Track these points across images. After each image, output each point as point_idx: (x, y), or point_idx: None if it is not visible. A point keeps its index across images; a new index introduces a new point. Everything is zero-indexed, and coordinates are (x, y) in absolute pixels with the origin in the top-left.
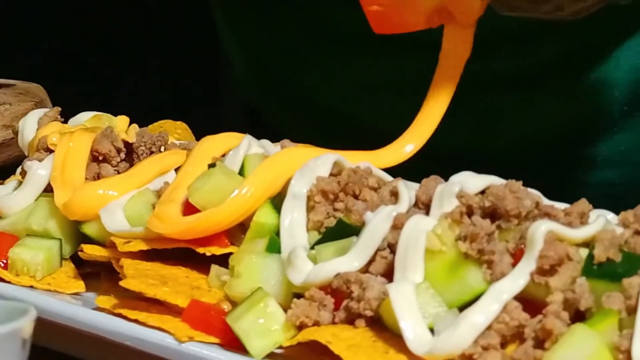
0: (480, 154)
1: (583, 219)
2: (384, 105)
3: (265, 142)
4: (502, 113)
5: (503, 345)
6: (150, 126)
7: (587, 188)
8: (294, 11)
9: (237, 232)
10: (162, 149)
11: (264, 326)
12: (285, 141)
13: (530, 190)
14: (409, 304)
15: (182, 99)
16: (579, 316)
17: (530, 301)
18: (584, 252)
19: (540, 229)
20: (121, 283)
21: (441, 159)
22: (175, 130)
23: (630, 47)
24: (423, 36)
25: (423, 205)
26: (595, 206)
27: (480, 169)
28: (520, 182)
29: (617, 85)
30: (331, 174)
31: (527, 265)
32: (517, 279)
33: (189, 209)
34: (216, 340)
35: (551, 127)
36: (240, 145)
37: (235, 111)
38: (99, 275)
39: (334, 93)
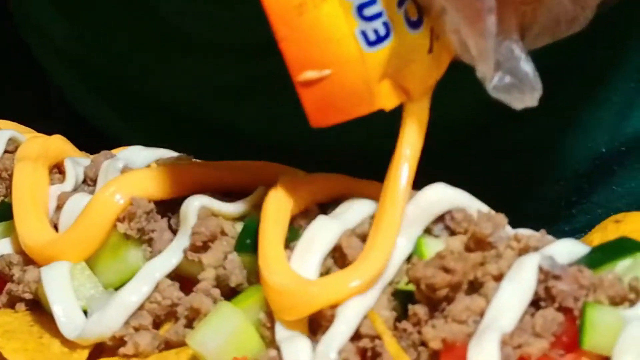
0: None
1: None
2: (233, 109)
3: None
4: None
5: (158, 325)
6: None
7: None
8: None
9: None
10: None
11: None
12: None
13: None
14: (62, 286)
15: None
16: (237, 293)
17: (188, 279)
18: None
19: (194, 204)
20: None
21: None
22: None
23: None
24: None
25: (92, 182)
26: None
27: None
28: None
29: None
30: (7, 151)
31: (181, 242)
32: (170, 257)
33: None
34: None
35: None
36: None
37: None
38: None
39: (178, 95)
